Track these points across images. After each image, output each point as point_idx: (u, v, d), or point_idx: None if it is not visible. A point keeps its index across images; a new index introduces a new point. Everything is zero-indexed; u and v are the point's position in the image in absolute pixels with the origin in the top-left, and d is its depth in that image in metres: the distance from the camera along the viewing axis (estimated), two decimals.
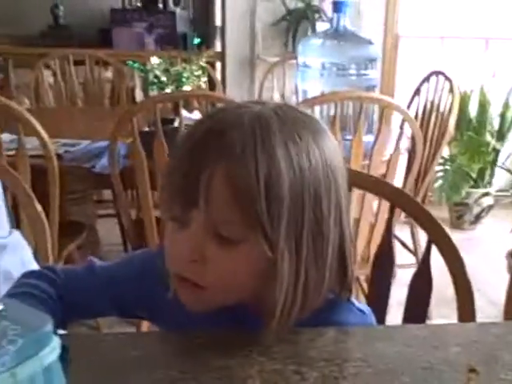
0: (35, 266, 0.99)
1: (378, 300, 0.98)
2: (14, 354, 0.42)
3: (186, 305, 0.70)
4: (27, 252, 1.03)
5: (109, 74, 3.37)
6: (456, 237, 0.95)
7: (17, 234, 0.99)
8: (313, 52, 1.98)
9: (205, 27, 4.15)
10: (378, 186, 1.01)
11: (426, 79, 2.47)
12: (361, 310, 0.77)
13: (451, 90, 2.28)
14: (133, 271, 0.79)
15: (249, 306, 0.73)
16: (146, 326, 1.76)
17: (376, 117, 2.02)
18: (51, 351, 0.45)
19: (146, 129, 1.98)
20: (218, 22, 3.78)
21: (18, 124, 1.72)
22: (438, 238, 0.94)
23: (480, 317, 0.91)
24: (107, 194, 2.92)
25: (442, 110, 2.32)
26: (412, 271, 0.99)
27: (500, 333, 0.74)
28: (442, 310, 1.11)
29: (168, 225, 0.69)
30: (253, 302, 0.72)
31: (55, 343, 0.45)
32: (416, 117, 2.34)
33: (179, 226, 0.67)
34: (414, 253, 2.48)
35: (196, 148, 0.65)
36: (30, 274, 0.80)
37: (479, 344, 0.71)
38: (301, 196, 0.64)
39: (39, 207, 1.20)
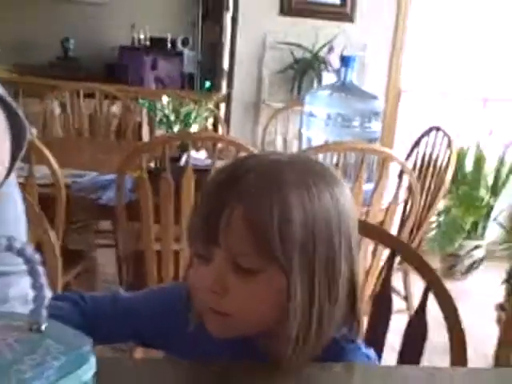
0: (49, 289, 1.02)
1: (375, 343, 1.02)
2: (57, 370, 0.47)
3: (212, 332, 0.76)
4: (43, 275, 1.06)
5: (115, 108, 3.44)
6: (447, 287, 1.00)
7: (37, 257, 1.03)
8: (320, 102, 2.06)
9: (212, 69, 4.25)
10: (379, 234, 1.06)
11: (426, 133, 2.56)
12: (367, 356, 0.81)
13: (449, 146, 2.36)
14: (155, 307, 0.85)
15: (264, 343, 0.78)
16: (140, 352, 1.77)
17: (375, 166, 2.09)
18: (89, 369, 0.49)
19: (152, 164, 2.04)
20: (225, 65, 3.88)
21: (30, 152, 1.77)
22: (435, 286, 0.99)
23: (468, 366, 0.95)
24: (105, 224, 2.96)
25: (439, 163, 2.39)
26: (403, 317, 1.03)
27: (490, 378, 0.78)
28: (432, 357, 1.15)
29: (194, 261, 0.76)
30: (270, 337, 0.77)
31: (92, 362, 0.50)
32: (414, 168, 2.41)
33: (203, 262, 0.74)
34: (406, 299, 2.52)
35: (216, 192, 0.73)
36: (57, 297, 0.85)
37: None
38: (311, 233, 0.71)
39: (53, 234, 1.25)
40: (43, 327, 0.50)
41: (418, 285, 1.00)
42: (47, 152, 1.79)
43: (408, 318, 1.03)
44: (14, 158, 0.92)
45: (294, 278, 0.70)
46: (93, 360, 0.50)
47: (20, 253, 0.48)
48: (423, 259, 1.01)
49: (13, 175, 0.99)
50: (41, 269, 0.50)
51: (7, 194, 0.96)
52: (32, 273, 0.50)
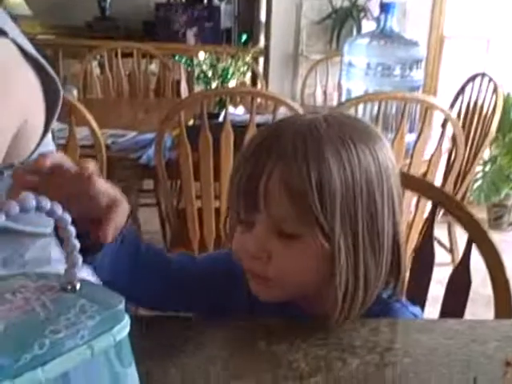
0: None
1: (417, 295, 1.01)
2: (91, 329, 0.47)
3: (258, 296, 0.76)
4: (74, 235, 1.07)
5: (154, 67, 3.44)
6: (494, 238, 0.97)
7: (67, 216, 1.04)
8: (359, 51, 2.00)
9: (249, 22, 4.19)
10: (422, 186, 1.04)
11: (471, 80, 2.47)
12: (414, 314, 0.81)
13: (495, 91, 2.28)
14: (214, 272, 0.84)
15: (311, 307, 0.78)
16: None
17: (418, 116, 2.03)
18: (123, 328, 0.49)
19: (191, 122, 2.04)
20: (262, 17, 3.81)
21: (71, 114, 1.78)
22: (478, 238, 0.97)
23: None
24: (147, 183, 2.99)
25: (485, 111, 2.31)
26: (448, 269, 1.02)
27: None
28: (475, 309, 1.13)
29: (237, 227, 0.76)
30: (315, 300, 0.77)
31: (126, 321, 0.50)
32: (458, 117, 2.34)
33: (246, 228, 0.74)
34: (451, 251, 2.49)
35: (254, 157, 0.71)
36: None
37: None
38: (352, 192, 0.69)
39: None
40: (77, 287, 0.51)
41: (463, 237, 0.98)
42: (87, 113, 1.79)
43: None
44: (49, 117, 0.93)
45: (338, 240, 0.69)
46: (127, 319, 0.50)
47: (50, 213, 0.47)
48: (467, 211, 0.98)
49: (50, 137, 1.00)
50: (72, 229, 0.50)
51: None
52: (63, 233, 0.50)
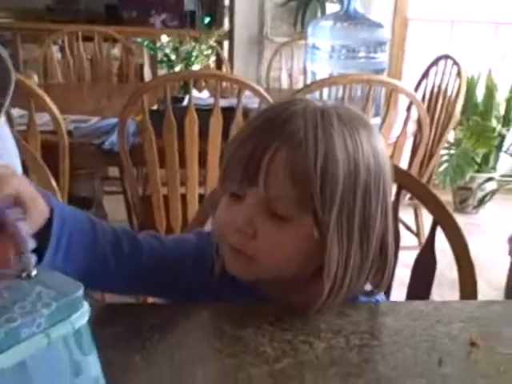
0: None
1: None
2: (48, 317, 0.45)
3: (233, 273, 0.75)
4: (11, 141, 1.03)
5: (116, 51, 3.37)
6: (459, 221, 0.98)
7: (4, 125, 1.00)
8: (323, 34, 1.99)
9: (213, 5, 4.13)
10: None
11: (435, 63, 2.48)
12: (377, 300, 0.80)
13: (459, 74, 2.29)
14: (184, 256, 0.81)
15: (283, 292, 0.77)
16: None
17: (383, 99, 2.03)
18: (82, 315, 0.48)
19: (155, 107, 2.00)
20: (226, 0, 3.77)
21: (30, 99, 1.73)
22: (443, 220, 0.97)
23: (480, 299, 0.94)
24: (112, 171, 2.95)
25: (449, 93, 2.33)
26: (414, 253, 1.02)
27: (501, 310, 0.77)
28: (442, 291, 1.14)
29: (224, 198, 0.74)
30: (290, 288, 0.76)
31: (85, 308, 0.48)
32: (423, 100, 2.35)
33: (235, 200, 0.72)
34: (417, 235, 2.51)
35: (261, 131, 0.70)
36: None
37: (480, 320, 0.74)
38: (353, 186, 0.69)
39: (53, 182, 1.23)
40: (33, 274, 0.49)
41: (430, 220, 0.98)
42: (47, 98, 1.75)
43: None
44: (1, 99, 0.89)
45: (332, 231, 0.69)
46: (86, 306, 0.48)
47: None
48: (432, 193, 0.98)
49: (2, 120, 0.96)
50: (18, 211, 0.47)
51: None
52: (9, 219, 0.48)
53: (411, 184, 1.01)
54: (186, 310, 0.75)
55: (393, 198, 1.07)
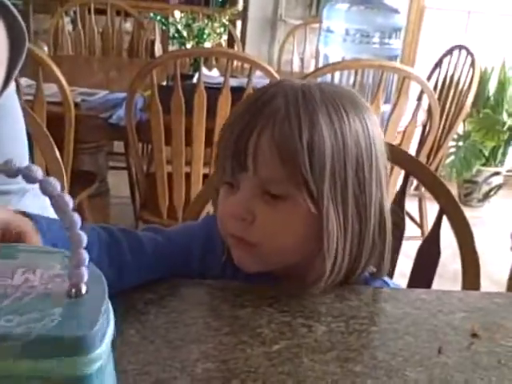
0: (53, 214, 0.98)
1: None
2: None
3: (240, 265, 0.74)
4: (46, 199, 1.03)
5: (128, 25, 3.35)
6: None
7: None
8: (338, 16, 1.96)
9: None
10: (395, 154, 1.01)
11: (449, 52, 2.45)
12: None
13: (472, 65, 2.26)
14: (190, 244, 0.79)
15: (291, 277, 0.76)
16: None
17: (394, 87, 2.01)
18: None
19: (164, 83, 1.99)
20: None
21: (39, 68, 1.72)
22: (450, 209, 0.96)
23: None
24: (117, 146, 2.94)
25: (461, 85, 2.30)
26: (417, 244, 1.01)
27: (503, 302, 0.75)
28: (442, 284, 1.14)
29: (221, 189, 0.74)
30: (297, 272, 0.75)
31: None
32: (435, 89, 2.33)
33: (231, 190, 0.72)
34: (420, 226, 2.50)
35: (244, 117, 0.70)
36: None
37: (483, 311, 0.73)
38: (343, 158, 0.68)
39: (57, 152, 1.22)
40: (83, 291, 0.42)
41: (434, 211, 0.97)
42: (56, 68, 1.73)
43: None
44: (13, 66, 0.87)
45: (326, 205, 0.68)
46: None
47: (21, 172, 0.42)
48: (439, 180, 0.96)
49: (13, 89, 0.95)
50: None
51: (5, 106, 0.92)
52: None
53: (419, 170, 0.99)
54: (182, 286, 0.74)
55: (400, 184, 1.06)
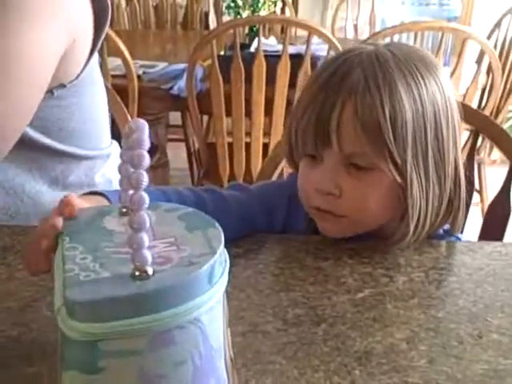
0: None
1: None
2: None
3: (324, 233, 0.76)
4: None
5: None
6: None
7: (115, 143, 1.05)
8: None
9: None
10: (463, 111, 1.01)
11: (509, 12, 2.39)
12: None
13: None
14: (269, 202, 0.82)
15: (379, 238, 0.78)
16: None
17: (451, 51, 1.98)
18: None
19: (222, 53, 2.01)
20: None
21: (103, 43, 1.76)
22: None
23: None
24: (173, 119, 2.98)
25: None
26: (476, 210, 1.01)
27: None
28: None
29: (302, 161, 0.76)
30: (384, 233, 0.76)
31: None
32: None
33: (313, 162, 0.74)
34: (479, 192, 2.47)
35: (323, 92, 0.71)
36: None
37: None
38: (423, 123, 0.70)
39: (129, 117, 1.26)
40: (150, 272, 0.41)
41: (493, 178, 0.97)
42: (120, 42, 1.78)
43: (481, 211, 1.00)
44: (97, 35, 0.92)
45: (410, 173, 0.69)
46: None
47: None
48: (510, 137, 0.97)
49: (97, 59, 0.99)
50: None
51: (92, 76, 0.96)
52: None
53: (488, 128, 0.99)
54: (267, 241, 0.77)
55: (470, 141, 1.07)
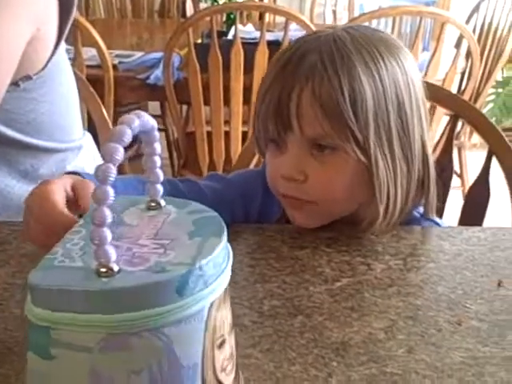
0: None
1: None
2: None
3: (299, 224, 0.75)
4: (96, 150, 1.07)
5: None
6: None
7: (88, 135, 1.03)
8: None
9: None
10: (440, 95, 1.00)
11: None
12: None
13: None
14: (243, 192, 0.81)
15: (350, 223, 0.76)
16: None
17: (428, 35, 1.97)
18: None
19: (199, 41, 1.98)
20: None
21: (77, 31, 1.73)
22: (499, 150, 0.95)
23: None
24: (152, 109, 2.95)
25: (500, 30, 2.25)
26: (457, 193, 1.01)
27: None
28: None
29: (268, 148, 0.75)
30: (355, 218, 0.75)
31: None
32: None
33: (277, 149, 0.73)
34: (460, 176, 2.48)
35: (281, 77, 0.70)
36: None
37: None
38: (384, 101, 0.69)
39: (105, 113, 1.24)
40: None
41: (473, 162, 0.96)
42: (94, 32, 1.74)
43: (462, 194, 1.00)
44: (63, 27, 0.89)
45: (374, 151, 0.68)
46: None
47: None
48: (489, 121, 0.96)
49: (64, 47, 0.97)
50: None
51: (59, 63, 0.94)
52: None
53: (466, 111, 0.99)
54: (242, 230, 0.76)
55: (448, 126, 1.06)
